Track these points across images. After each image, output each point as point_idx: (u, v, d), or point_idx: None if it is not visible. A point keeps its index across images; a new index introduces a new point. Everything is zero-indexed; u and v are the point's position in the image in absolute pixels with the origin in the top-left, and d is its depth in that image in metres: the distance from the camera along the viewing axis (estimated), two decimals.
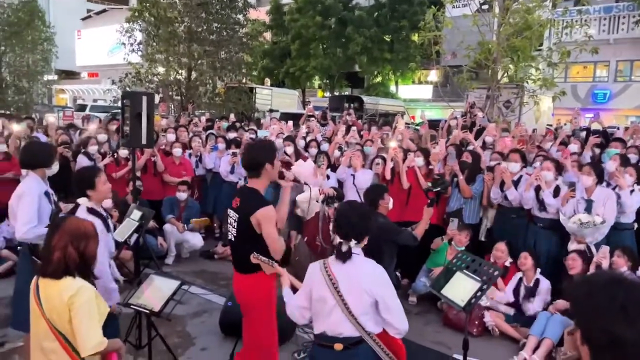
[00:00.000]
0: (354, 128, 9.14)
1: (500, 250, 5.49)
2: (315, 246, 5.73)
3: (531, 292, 5.18)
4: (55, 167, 4.05)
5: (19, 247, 5.53)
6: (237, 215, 3.36)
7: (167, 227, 7.14)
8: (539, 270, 5.27)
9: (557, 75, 12.51)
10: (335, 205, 5.93)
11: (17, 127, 7.84)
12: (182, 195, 7.29)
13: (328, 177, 6.58)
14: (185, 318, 5.19)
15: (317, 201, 6.00)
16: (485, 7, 13.38)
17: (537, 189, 5.55)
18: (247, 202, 3.33)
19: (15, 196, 3.80)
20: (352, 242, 2.63)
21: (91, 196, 3.53)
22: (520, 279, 5.29)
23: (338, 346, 2.61)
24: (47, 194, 3.86)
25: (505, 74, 12.43)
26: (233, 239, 3.45)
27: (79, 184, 3.58)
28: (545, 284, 5.20)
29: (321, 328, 2.68)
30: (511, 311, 5.26)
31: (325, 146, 8.10)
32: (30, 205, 3.68)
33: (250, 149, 3.54)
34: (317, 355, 2.76)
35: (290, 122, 10.70)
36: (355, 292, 2.57)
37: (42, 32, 24.24)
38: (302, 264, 5.77)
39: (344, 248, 2.62)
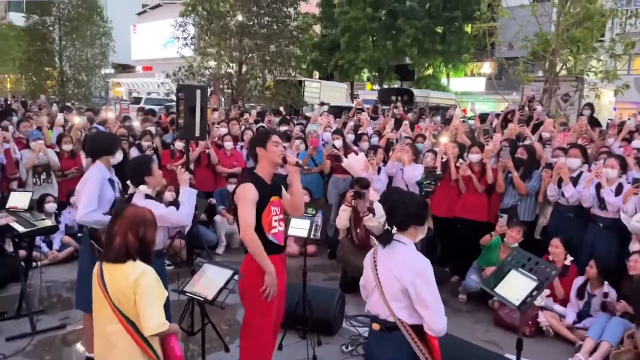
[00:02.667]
0: (406, 122, 9.02)
1: (554, 246, 5.26)
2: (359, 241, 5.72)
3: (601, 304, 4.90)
4: (119, 156, 4.20)
5: (79, 234, 5.79)
6: None
7: (217, 218, 7.32)
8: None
9: (620, 67, 11.89)
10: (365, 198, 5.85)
11: (77, 120, 8.19)
12: (233, 187, 7.40)
13: (379, 171, 6.51)
14: (235, 307, 5.27)
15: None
16: None
17: (598, 186, 5.31)
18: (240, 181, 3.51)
19: (81, 182, 3.99)
20: (394, 229, 2.73)
21: (149, 182, 3.64)
22: (584, 284, 5.04)
23: (375, 326, 2.78)
24: (111, 181, 3.98)
25: (564, 66, 11.95)
26: None
27: (136, 172, 3.67)
28: (612, 294, 4.88)
29: (367, 306, 2.88)
30: (571, 316, 5.06)
31: (374, 140, 8.04)
32: (92, 190, 3.81)
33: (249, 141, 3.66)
34: (369, 332, 2.94)
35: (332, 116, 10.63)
36: (388, 276, 2.69)
37: (100, 27, 25.22)
38: (347, 258, 5.80)
39: (386, 233, 2.76)
